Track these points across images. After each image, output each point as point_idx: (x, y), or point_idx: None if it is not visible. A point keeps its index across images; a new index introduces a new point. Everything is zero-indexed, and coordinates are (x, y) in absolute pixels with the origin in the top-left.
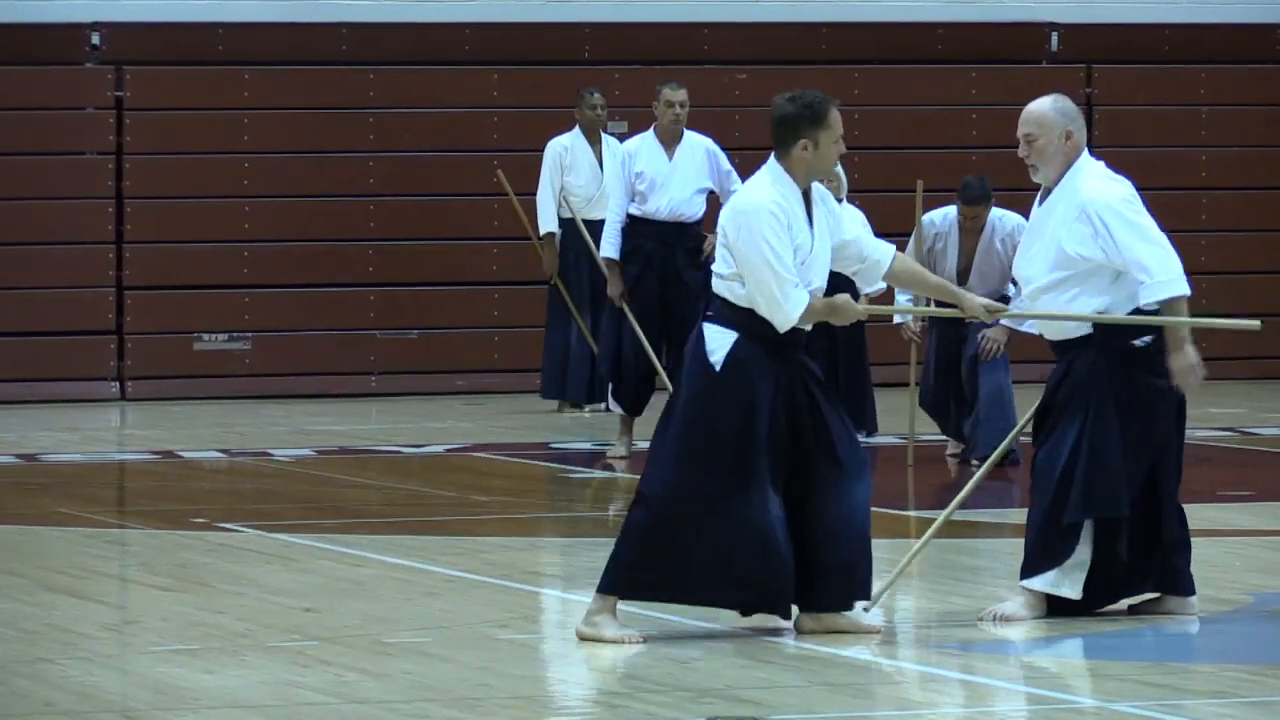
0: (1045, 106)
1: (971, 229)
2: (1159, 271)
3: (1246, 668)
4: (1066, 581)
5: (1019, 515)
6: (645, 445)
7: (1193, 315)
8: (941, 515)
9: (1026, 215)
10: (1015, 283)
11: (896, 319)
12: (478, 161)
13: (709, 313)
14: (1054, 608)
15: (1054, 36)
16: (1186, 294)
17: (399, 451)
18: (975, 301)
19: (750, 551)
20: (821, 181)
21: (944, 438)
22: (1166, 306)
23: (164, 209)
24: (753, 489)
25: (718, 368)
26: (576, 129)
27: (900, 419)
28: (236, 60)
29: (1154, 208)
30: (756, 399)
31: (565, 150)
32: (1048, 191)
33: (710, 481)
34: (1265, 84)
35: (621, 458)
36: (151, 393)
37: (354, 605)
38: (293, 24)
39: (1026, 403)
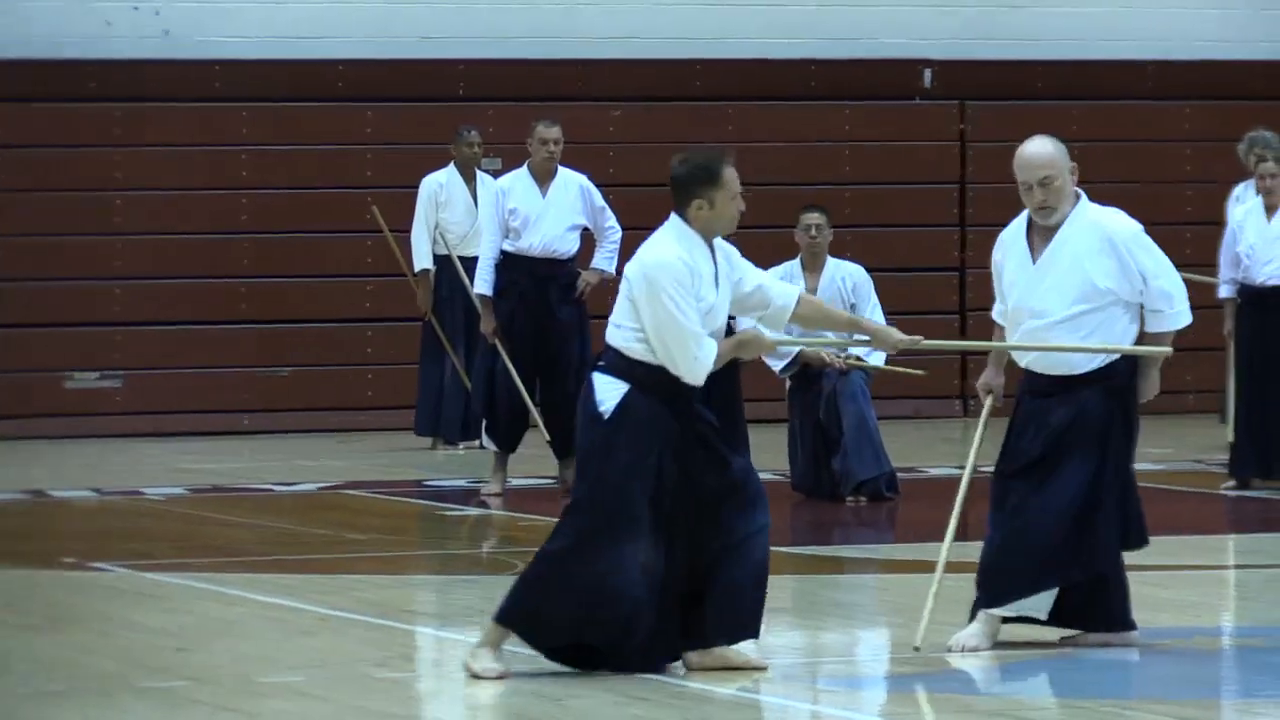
0: (1049, 148)
1: (812, 248)
2: (1179, 301)
3: (1124, 702)
4: (1036, 604)
5: (889, 551)
6: (519, 482)
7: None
8: (943, 547)
9: (889, 252)
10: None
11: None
12: (352, 198)
13: (601, 363)
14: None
15: (927, 73)
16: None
17: (272, 489)
18: (890, 333)
19: (613, 603)
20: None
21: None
22: (1165, 335)
23: (34, 246)
24: (628, 541)
25: (606, 417)
26: (452, 165)
27: (773, 456)
28: (108, 97)
29: None
30: (644, 451)
31: (440, 187)
32: (1043, 230)
33: (594, 534)
34: (1136, 120)
35: (495, 494)
36: (21, 431)
37: (227, 644)
38: (165, 61)
39: (888, 434)
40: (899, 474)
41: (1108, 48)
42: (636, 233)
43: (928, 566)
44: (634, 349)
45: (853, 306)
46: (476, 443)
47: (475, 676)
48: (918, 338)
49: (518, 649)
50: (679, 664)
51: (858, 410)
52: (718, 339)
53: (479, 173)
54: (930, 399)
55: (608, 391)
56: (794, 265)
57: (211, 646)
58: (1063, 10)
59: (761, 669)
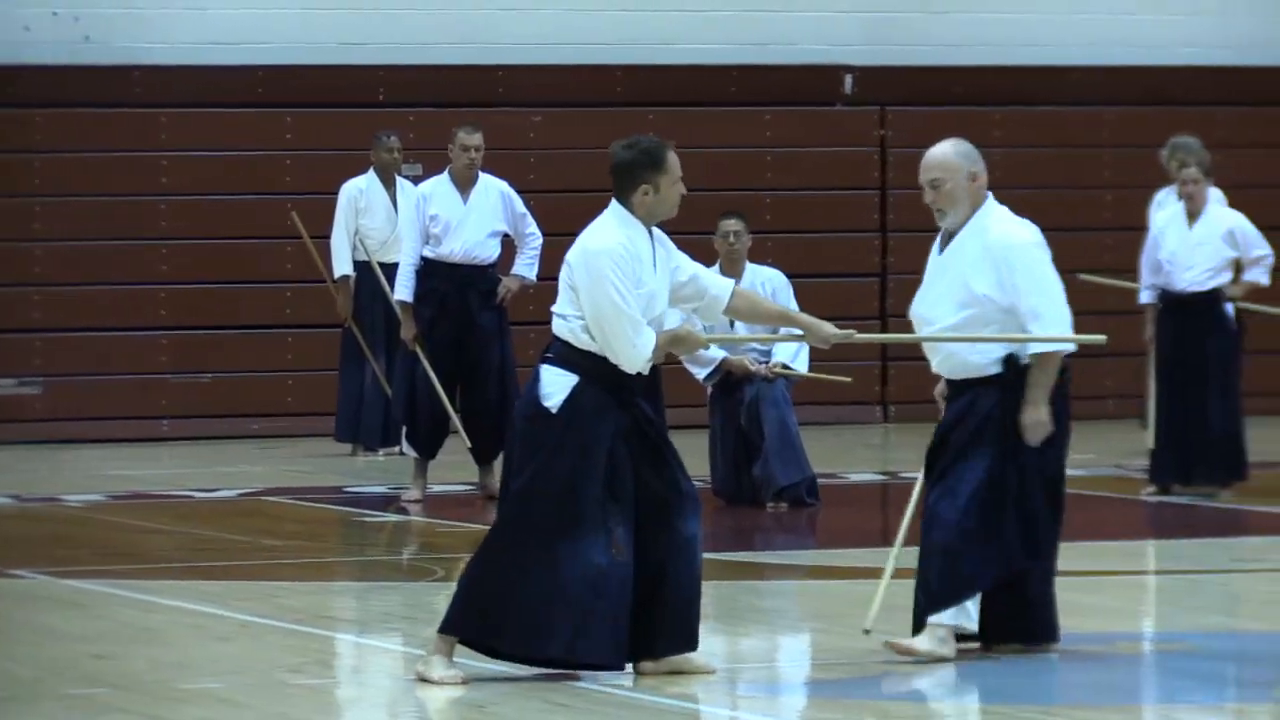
0: (948, 150)
1: (730, 254)
2: (1049, 323)
3: (1046, 708)
4: (964, 615)
5: (812, 557)
6: (439, 488)
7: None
8: (892, 552)
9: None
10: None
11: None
12: (271, 204)
13: (548, 354)
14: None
15: (848, 79)
16: (1067, 352)
17: (192, 496)
18: (822, 326)
19: (569, 601)
20: None
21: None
22: (1041, 359)
23: None
24: (581, 537)
25: (554, 410)
26: (371, 171)
27: (694, 461)
28: (27, 103)
29: None
30: (593, 443)
31: (360, 193)
32: (949, 235)
33: (543, 531)
34: (1057, 126)
35: (416, 501)
36: None
37: (147, 651)
38: (85, 66)
39: (809, 440)
40: (820, 480)
41: (1028, 53)
42: (558, 239)
43: (849, 573)
44: (581, 339)
45: None
46: (397, 449)
47: (438, 683)
48: (850, 331)
49: (457, 658)
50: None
51: (779, 416)
52: (657, 327)
53: (399, 179)
54: (851, 405)
55: (555, 384)
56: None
57: (131, 653)
58: (983, 16)
59: (710, 673)
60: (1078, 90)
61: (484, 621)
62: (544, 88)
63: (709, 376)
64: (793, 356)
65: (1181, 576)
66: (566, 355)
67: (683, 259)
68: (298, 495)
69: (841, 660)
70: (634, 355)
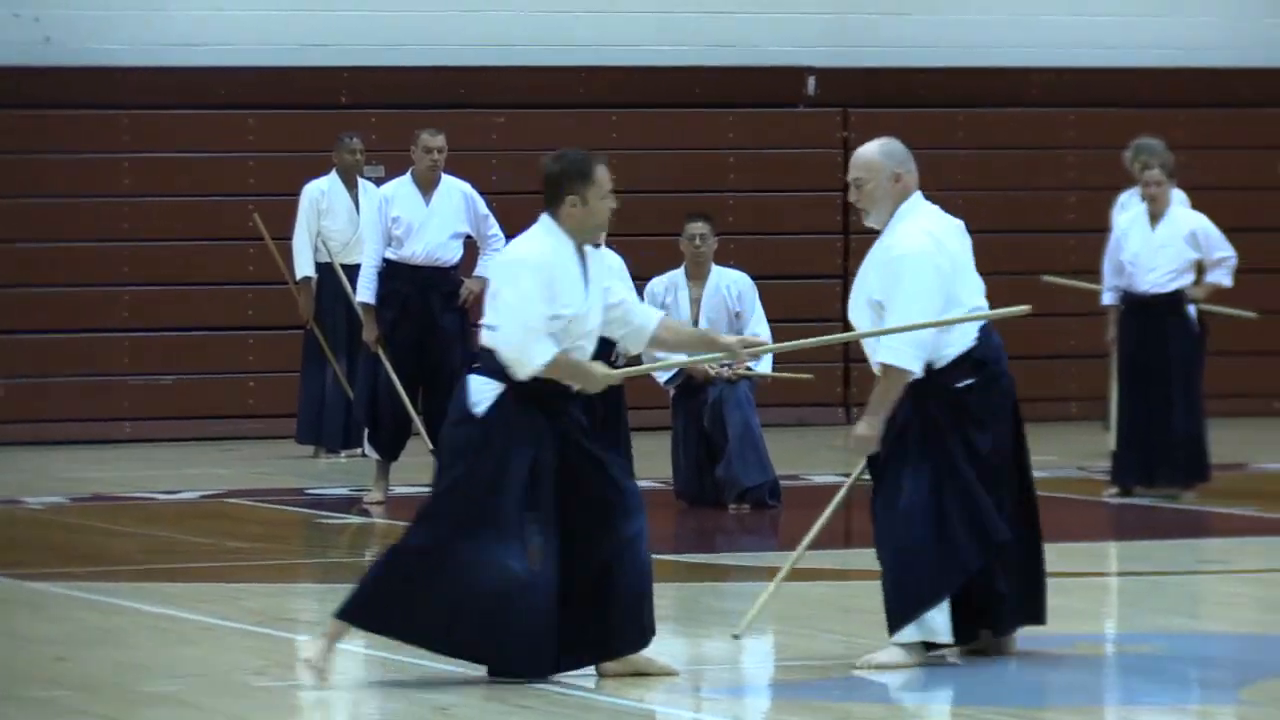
0: (873, 150)
1: (696, 257)
2: (896, 338)
3: (1006, 709)
4: (927, 630)
5: (776, 559)
6: (402, 490)
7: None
8: (794, 555)
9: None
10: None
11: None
12: (233, 206)
13: (476, 365)
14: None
15: (811, 80)
16: (909, 371)
17: (153, 498)
18: (730, 341)
19: (478, 607)
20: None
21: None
22: (885, 372)
23: None
24: (497, 543)
25: (480, 415)
26: (333, 173)
27: (656, 463)
28: None
29: None
30: (517, 451)
31: (322, 194)
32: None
33: (459, 531)
34: (1020, 128)
35: (378, 503)
36: None
37: (108, 654)
38: (45, 68)
39: (772, 441)
40: (782, 481)
41: (992, 55)
42: None
43: (811, 574)
44: None
45: (737, 315)
46: (358, 451)
47: (307, 662)
48: (756, 336)
49: (418, 660)
50: (581, 671)
51: (743, 418)
52: (590, 341)
53: (361, 180)
54: (814, 406)
55: (482, 392)
56: (678, 274)
57: (93, 656)
58: (947, 18)
59: (673, 674)
60: (1040, 92)
61: (385, 615)
62: (507, 89)
63: (670, 380)
64: (755, 360)
65: (1144, 578)
66: (493, 365)
67: (616, 282)
68: (259, 497)
69: (804, 662)
70: (520, 362)
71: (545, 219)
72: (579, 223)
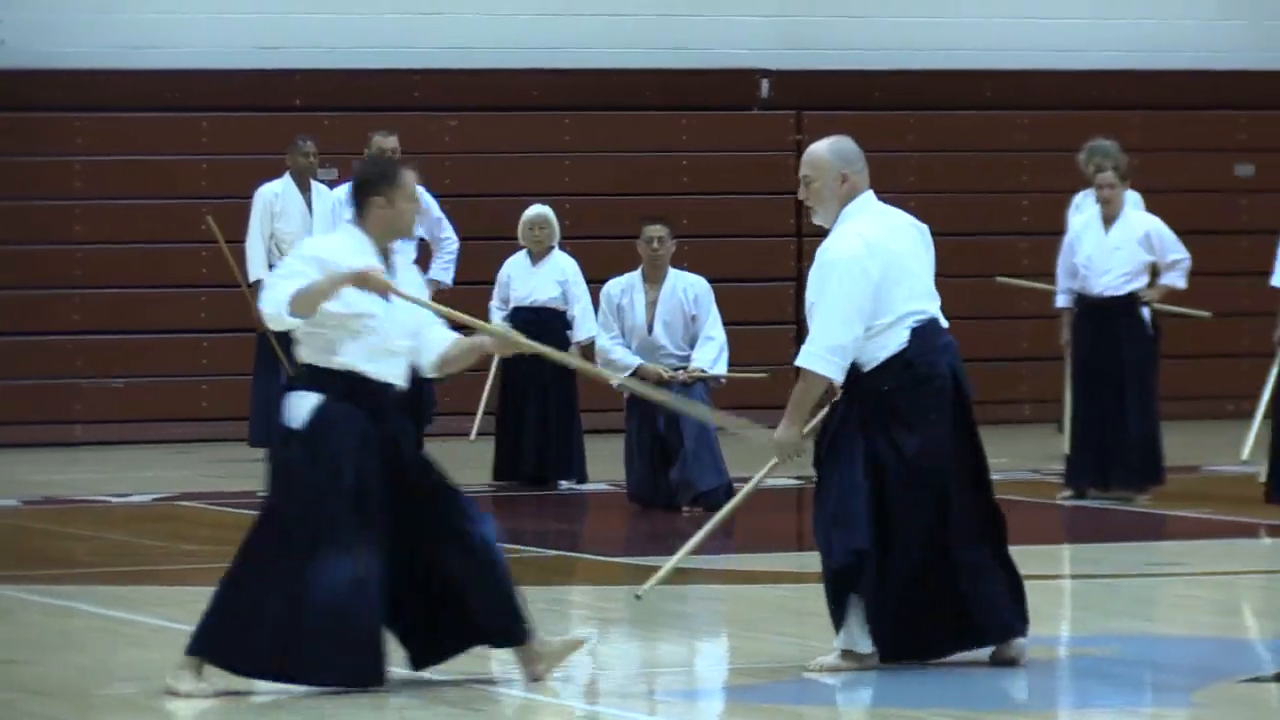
0: (822, 149)
1: (654, 260)
2: (817, 340)
3: (960, 712)
4: (849, 639)
5: (726, 561)
6: None
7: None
8: (682, 552)
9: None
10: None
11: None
12: (186, 209)
13: (294, 382)
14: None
15: (765, 83)
16: (823, 376)
17: (106, 501)
18: (507, 333)
19: (314, 622)
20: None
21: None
22: (802, 375)
23: None
24: (326, 556)
25: (299, 429)
26: (287, 175)
27: (610, 465)
28: None
29: None
30: (340, 460)
31: (276, 197)
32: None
33: (286, 546)
34: (973, 131)
35: None
36: None
37: (61, 657)
38: None
39: (727, 444)
40: (737, 484)
41: (945, 58)
42: (473, 243)
43: (766, 577)
44: (319, 358)
45: (693, 319)
46: None
47: (185, 696)
48: (508, 332)
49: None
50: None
51: (699, 421)
52: (405, 358)
53: (314, 183)
54: (771, 409)
55: (300, 406)
56: (635, 276)
57: (47, 659)
58: (900, 21)
59: (580, 643)
60: (994, 94)
61: (228, 642)
62: (460, 92)
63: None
64: (711, 362)
65: (1097, 581)
66: (312, 376)
67: (424, 292)
68: (212, 500)
69: (759, 665)
70: (272, 310)
71: (344, 224)
72: (387, 224)
